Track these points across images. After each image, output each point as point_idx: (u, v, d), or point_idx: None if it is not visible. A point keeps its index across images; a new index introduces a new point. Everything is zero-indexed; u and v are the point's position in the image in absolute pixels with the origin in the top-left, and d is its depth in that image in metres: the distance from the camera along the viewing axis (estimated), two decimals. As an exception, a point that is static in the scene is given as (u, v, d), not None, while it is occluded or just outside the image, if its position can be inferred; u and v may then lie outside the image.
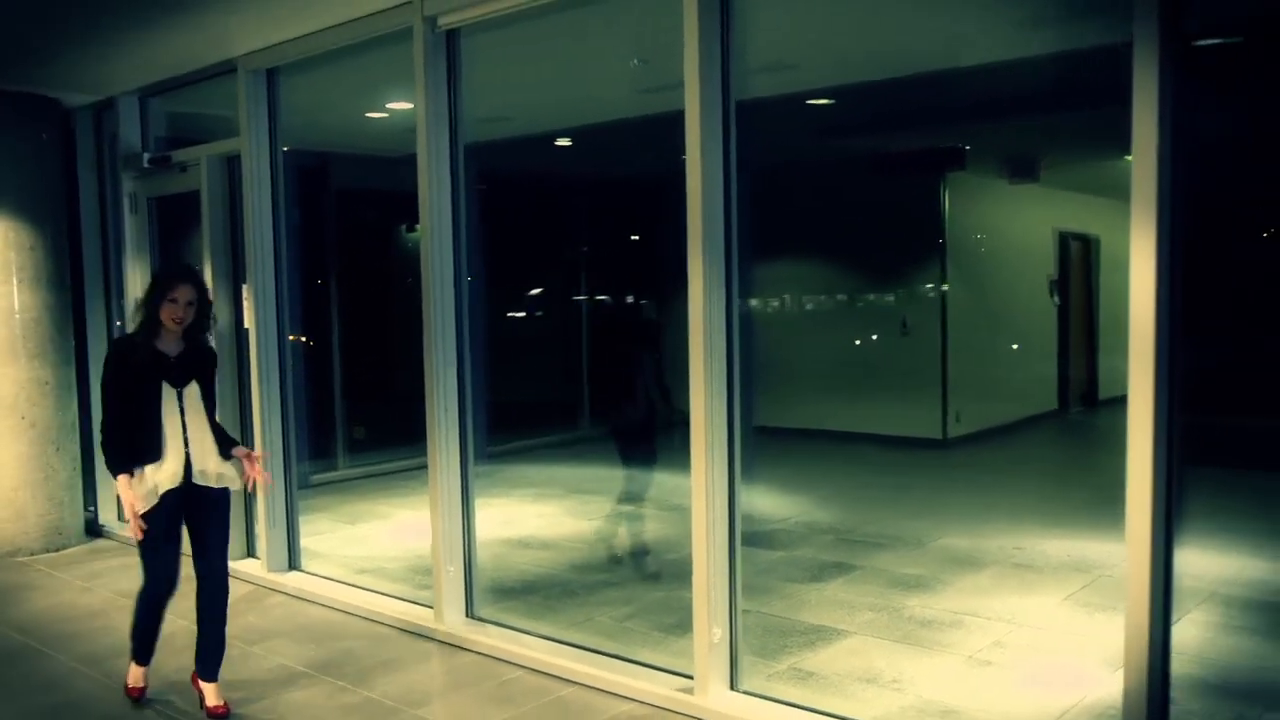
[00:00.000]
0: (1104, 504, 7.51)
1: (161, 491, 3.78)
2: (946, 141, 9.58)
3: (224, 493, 3.99)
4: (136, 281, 6.62)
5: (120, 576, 6.13)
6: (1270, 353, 7.88)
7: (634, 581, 6.01)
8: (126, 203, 6.60)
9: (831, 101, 6.79)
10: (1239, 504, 7.39)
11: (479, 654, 4.66)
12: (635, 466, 6.40)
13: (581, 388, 10.79)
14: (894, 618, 5.19)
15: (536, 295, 10.26)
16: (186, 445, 3.83)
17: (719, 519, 3.90)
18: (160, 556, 3.89)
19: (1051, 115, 8.18)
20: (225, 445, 4.01)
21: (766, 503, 8.05)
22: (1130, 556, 3.02)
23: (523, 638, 4.67)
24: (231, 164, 5.92)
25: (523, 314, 11.01)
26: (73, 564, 6.47)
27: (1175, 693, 4.13)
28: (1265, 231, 8.28)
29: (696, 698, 3.92)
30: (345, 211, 8.85)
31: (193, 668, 4.12)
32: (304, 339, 8.56)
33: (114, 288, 6.95)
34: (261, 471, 4.04)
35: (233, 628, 5.02)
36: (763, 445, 10.17)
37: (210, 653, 4.06)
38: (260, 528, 5.83)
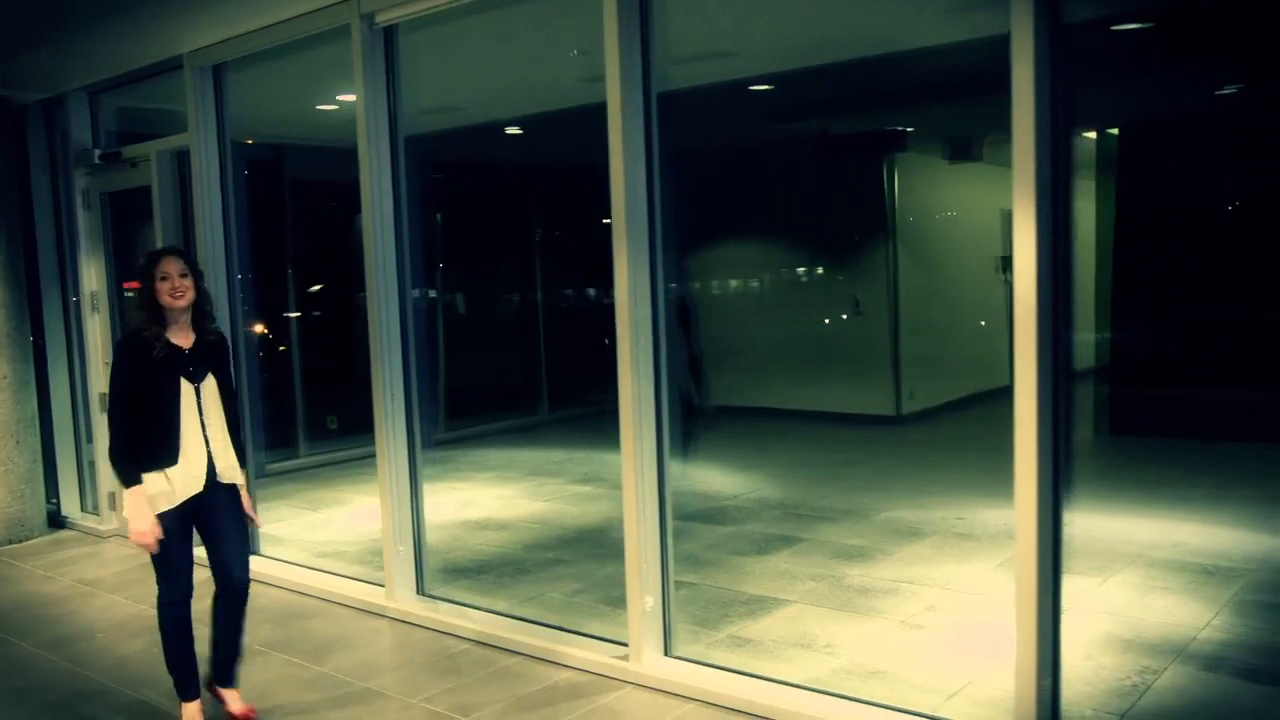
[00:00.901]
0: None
1: (186, 496, 3.58)
2: (892, 123, 9.78)
3: (234, 488, 3.77)
4: (91, 276, 6.72)
5: (83, 566, 6.26)
6: (1208, 329, 8.14)
7: (585, 559, 6.19)
8: (79, 199, 6.68)
9: (771, 87, 6.96)
10: (1174, 472, 7.68)
11: (429, 629, 4.84)
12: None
13: (540, 374, 10.96)
14: (834, 586, 5.41)
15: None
16: (208, 444, 3.64)
17: (648, 494, 4.09)
18: (176, 560, 3.64)
19: (992, 97, 8.39)
20: (236, 445, 3.80)
21: (721, 480, 8.27)
22: (1019, 521, 3.23)
23: (470, 612, 4.85)
24: (181, 158, 6.03)
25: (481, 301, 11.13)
26: (36, 555, 6.59)
27: (1092, 648, 4.39)
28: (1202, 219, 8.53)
29: (631, 664, 4.12)
30: (301, 202, 8.95)
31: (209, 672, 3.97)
32: (264, 330, 8.68)
33: (70, 283, 7.03)
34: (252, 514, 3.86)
35: (192, 611, 5.21)
36: (720, 424, 10.41)
37: (230, 657, 3.92)
38: (219, 514, 5.97)
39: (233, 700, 3.91)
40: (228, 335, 5.73)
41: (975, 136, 10.37)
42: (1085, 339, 9.53)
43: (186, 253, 3.78)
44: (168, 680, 4.29)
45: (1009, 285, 13.37)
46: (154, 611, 4.15)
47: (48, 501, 7.10)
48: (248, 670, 4.45)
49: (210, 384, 3.67)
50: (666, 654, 4.17)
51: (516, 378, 11.04)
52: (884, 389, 10.36)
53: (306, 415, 9.09)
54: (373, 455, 5.11)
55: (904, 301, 10.49)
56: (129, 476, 3.55)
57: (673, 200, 4.06)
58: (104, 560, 6.31)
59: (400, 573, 5.01)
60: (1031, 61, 2.97)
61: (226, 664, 3.93)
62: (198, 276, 3.69)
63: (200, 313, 3.71)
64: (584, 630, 4.63)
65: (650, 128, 3.94)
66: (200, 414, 3.62)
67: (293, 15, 4.95)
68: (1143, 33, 5.73)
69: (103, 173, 6.60)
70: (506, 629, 4.63)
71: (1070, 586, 5.32)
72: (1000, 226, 12.55)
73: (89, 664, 4.61)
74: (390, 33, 4.83)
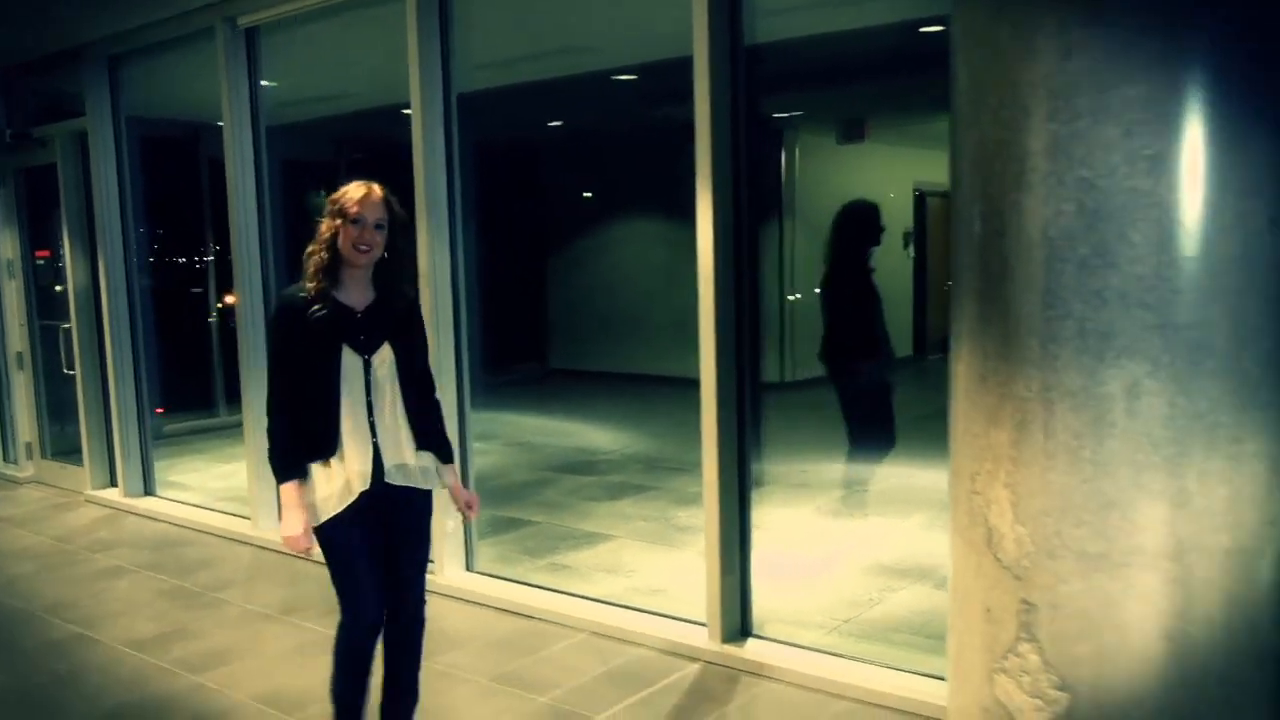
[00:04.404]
0: (908, 433, 8.47)
1: (345, 503, 2.88)
2: (786, 108, 10.47)
3: (424, 496, 3.04)
4: (7, 246, 7.35)
5: (-2, 505, 6.97)
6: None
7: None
8: (-7, 174, 7.31)
9: (636, 78, 7.60)
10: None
11: (285, 554, 5.53)
12: (878, 438, 5.75)
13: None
14: (662, 526, 6.15)
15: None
16: (374, 434, 2.90)
17: (451, 435, 4.80)
18: (358, 581, 2.94)
19: (879, 81, 9.04)
20: (432, 435, 3.07)
21: (602, 438, 9.02)
22: (705, 457, 4.05)
23: (321, 540, 5.56)
24: (85, 139, 6.64)
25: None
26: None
27: (856, 572, 5.13)
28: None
29: (435, 577, 4.84)
30: (220, 180, 9.50)
31: None
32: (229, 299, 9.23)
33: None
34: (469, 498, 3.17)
35: (83, 542, 5.94)
36: (617, 389, 11.16)
37: (402, 701, 3.15)
38: (118, 458, 6.66)
39: None
40: (126, 298, 6.33)
41: (864, 118, 11.05)
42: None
43: (389, 194, 2.95)
44: (46, 594, 5.06)
45: (913, 260, 14.06)
46: (51, 541, 4.83)
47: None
48: (115, 584, 5.17)
49: (385, 357, 2.93)
50: (468, 569, 4.90)
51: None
52: (771, 358, 11.07)
53: (224, 379, 9.72)
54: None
55: (796, 275, 11.19)
56: (280, 469, 2.92)
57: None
58: (16, 502, 6.99)
59: (263, 506, 5.72)
60: (708, 79, 3.67)
61: (399, 709, 3.15)
62: (395, 230, 2.95)
63: (387, 272, 2.98)
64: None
65: (450, 125, 4.63)
66: (368, 393, 2.90)
67: (168, 16, 5.59)
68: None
69: (15, 151, 7.20)
70: (347, 553, 5.35)
71: (872, 527, 6.09)
72: (910, 202, 13.23)
73: (-18, 582, 5.32)
74: (252, 33, 5.48)
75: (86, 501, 6.87)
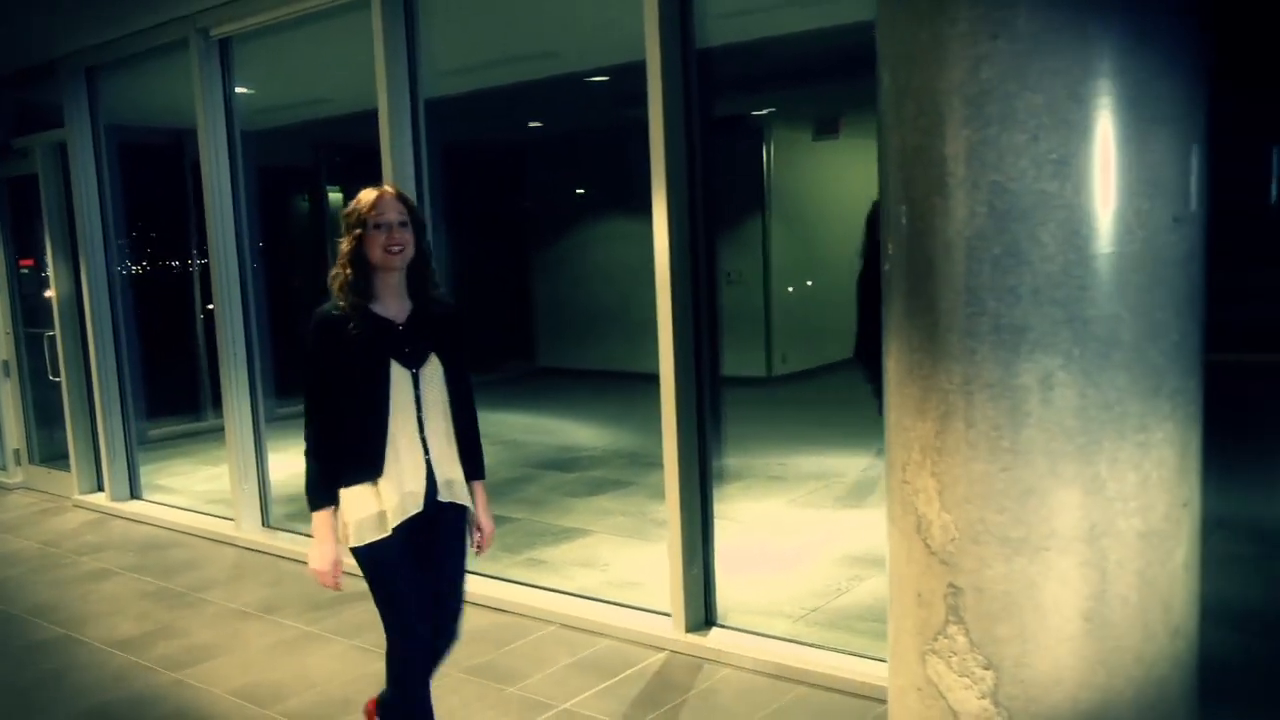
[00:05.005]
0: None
1: (401, 519, 2.74)
2: (760, 106, 10.57)
3: (463, 511, 2.91)
4: (-7, 255, 7.47)
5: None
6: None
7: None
8: (-23, 184, 7.40)
9: (607, 79, 7.70)
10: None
11: (267, 554, 5.68)
12: None
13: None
14: (639, 521, 6.26)
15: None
16: (427, 450, 2.77)
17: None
18: (405, 605, 2.80)
19: (845, 79, 9.15)
20: (470, 451, 2.94)
21: (586, 435, 9.13)
22: (666, 456, 4.15)
23: (300, 539, 5.68)
24: (65, 149, 6.73)
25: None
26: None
27: (828, 563, 5.25)
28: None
29: (413, 573, 4.97)
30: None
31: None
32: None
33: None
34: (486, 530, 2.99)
35: (70, 545, 6.05)
36: (603, 387, 11.25)
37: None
38: (104, 463, 6.77)
39: None
40: (109, 305, 6.45)
41: (836, 115, 11.14)
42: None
43: (404, 193, 2.83)
44: (32, 596, 5.17)
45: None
46: (39, 546, 4.93)
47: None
48: (100, 586, 5.28)
49: (434, 369, 2.79)
50: (444, 566, 5.01)
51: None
52: (756, 353, 11.18)
53: (211, 384, 9.82)
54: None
55: (777, 272, 11.30)
56: (314, 497, 2.79)
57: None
58: (5, 508, 7.10)
59: (246, 507, 5.84)
60: (660, 82, 3.78)
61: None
62: (419, 228, 2.81)
63: (419, 276, 2.82)
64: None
65: (418, 130, 4.73)
66: (418, 409, 2.76)
67: (144, 27, 5.69)
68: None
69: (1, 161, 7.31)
70: (327, 552, 5.46)
71: (845, 518, 6.20)
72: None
73: (-30, 585, 5.43)
74: (225, 44, 5.57)
75: (74, 506, 6.97)
